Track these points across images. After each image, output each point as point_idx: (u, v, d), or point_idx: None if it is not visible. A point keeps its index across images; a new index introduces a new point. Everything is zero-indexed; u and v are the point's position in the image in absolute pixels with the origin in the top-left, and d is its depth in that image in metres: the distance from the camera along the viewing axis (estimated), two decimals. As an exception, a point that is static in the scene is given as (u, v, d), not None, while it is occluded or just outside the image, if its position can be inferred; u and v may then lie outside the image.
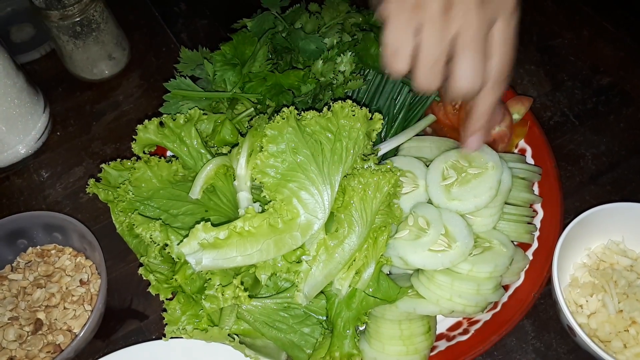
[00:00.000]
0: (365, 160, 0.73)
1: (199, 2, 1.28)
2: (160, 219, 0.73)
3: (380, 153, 0.84)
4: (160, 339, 0.85)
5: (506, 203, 0.82)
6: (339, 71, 0.91)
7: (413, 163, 0.83)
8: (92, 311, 0.82)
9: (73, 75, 1.14)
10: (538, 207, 0.88)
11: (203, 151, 0.78)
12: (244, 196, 0.73)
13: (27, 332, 0.84)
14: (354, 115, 0.71)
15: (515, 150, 0.94)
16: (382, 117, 0.74)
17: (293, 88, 0.88)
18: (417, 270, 0.78)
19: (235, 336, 0.71)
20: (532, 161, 0.92)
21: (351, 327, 0.72)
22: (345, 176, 0.71)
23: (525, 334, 0.85)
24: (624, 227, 0.85)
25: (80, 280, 0.89)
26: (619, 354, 0.78)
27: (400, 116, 0.93)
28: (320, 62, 0.90)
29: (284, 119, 0.70)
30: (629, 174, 0.99)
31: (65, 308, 0.86)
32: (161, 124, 0.79)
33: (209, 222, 0.66)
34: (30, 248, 0.92)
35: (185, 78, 0.89)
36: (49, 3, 1.03)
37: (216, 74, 0.90)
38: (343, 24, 0.95)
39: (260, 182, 0.69)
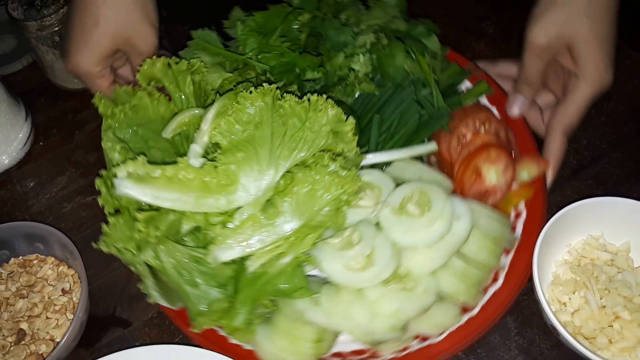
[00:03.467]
0: (333, 160, 0.73)
1: (180, 9, 1.29)
2: (128, 145, 0.77)
3: (368, 162, 0.83)
4: (144, 345, 0.85)
5: (464, 258, 0.78)
6: (352, 69, 0.91)
7: (386, 182, 0.81)
8: (72, 320, 0.82)
9: (55, 85, 1.14)
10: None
11: (192, 100, 0.82)
12: (194, 148, 0.74)
13: (10, 342, 0.84)
14: (319, 111, 0.72)
15: (513, 212, 0.87)
16: (353, 122, 0.74)
17: (304, 71, 0.90)
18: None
19: (148, 265, 0.74)
20: (520, 227, 0.85)
21: (248, 304, 0.73)
22: (303, 166, 0.72)
23: (508, 330, 0.85)
24: (603, 222, 0.84)
25: (63, 290, 0.89)
26: (604, 350, 0.78)
27: (401, 132, 0.89)
28: (342, 55, 0.90)
29: (262, 92, 0.72)
30: (610, 167, 0.99)
31: (47, 317, 0.86)
32: (169, 64, 0.82)
33: (146, 159, 0.69)
34: (12, 259, 0.92)
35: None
36: (28, 14, 1.03)
37: (240, 37, 0.93)
38: (384, 27, 0.94)
39: (215, 142, 0.72)
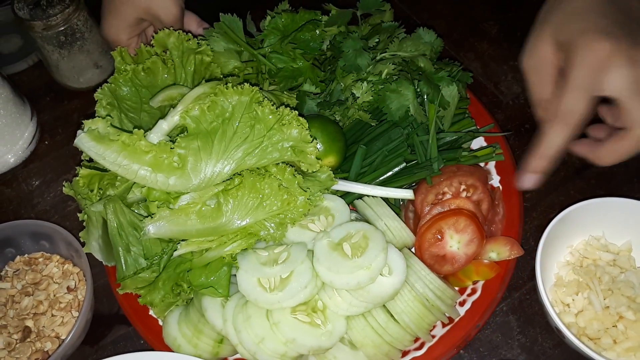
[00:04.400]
0: (293, 176, 0.75)
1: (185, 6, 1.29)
2: (118, 103, 0.82)
3: (340, 188, 0.84)
4: (148, 344, 0.86)
5: (388, 315, 0.77)
6: (352, 94, 0.90)
7: (343, 213, 0.81)
8: (77, 317, 0.82)
9: (60, 84, 1.15)
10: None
11: (189, 79, 0.85)
12: (160, 124, 0.77)
13: (16, 339, 0.85)
14: (284, 125, 0.74)
15: (470, 285, 0.84)
16: (315, 145, 0.77)
17: (304, 82, 0.92)
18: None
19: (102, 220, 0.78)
20: (469, 305, 0.82)
21: (168, 284, 0.77)
22: (258, 174, 0.74)
23: (510, 329, 0.86)
24: (604, 222, 0.85)
25: (68, 288, 0.89)
26: (609, 350, 0.78)
27: (382, 170, 0.88)
28: (351, 78, 0.90)
29: (240, 91, 0.73)
30: (614, 166, 0.97)
31: (53, 315, 0.87)
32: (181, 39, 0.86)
33: (109, 122, 0.75)
34: (18, 257, 0.93)
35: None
36: (34, 14, 1.04)
37: (264, 31, 0.95)
38: (408, 61, 0.92)
39: (182, 125, 0.74)
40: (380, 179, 0.88)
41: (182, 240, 0.76)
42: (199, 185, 0.73)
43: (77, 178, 0.78)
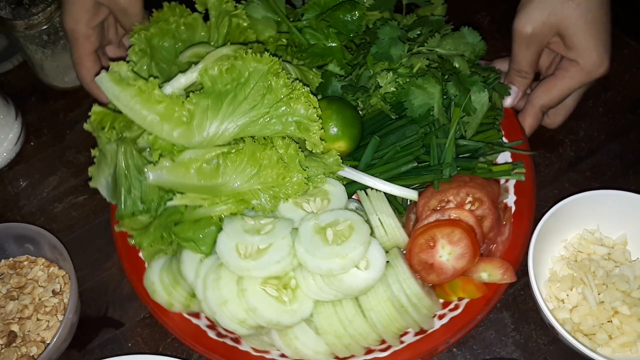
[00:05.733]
0: (296, 154, 0.76)
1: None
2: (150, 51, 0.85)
3: (346, 174, 0.83)
4: (136, 347, 0.85)
5: (359, 309, 0.76)
6: (377, 82, 0.88)
7: (340, 199, 0.81)
8: (62, 321, 0.81)
9: (45, 84, 1.13)
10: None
11: (220, 39, 0.88)
12: (179, 78, 0.78)
13: (1, 344, 0.83)
14: (291, 99, 0.75)
15: (455, 301, 0.81)
16: (320, 126, 0.76)
17: (330, 62, 0.92)
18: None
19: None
20: (446, 320, 0.80)
21: (159, 231, 0.79)
22: (261, 144, 0.76)
23: (504, 326, 0.84)
24: (598, 215, 0.83)
25: (53, 291, 0.88)
26: (604, 346, 0.76)
27: (391, 165, 0.85)
28: (379, 66, 0.88)
29: (259, 59, 0.74)
30: (608, 159, 0.97)
31: (38, 319, 0.86)
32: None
33: (132, 67, 0.79)
34: (2, 260, 0.91)
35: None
36: (16, 13, 1.02)
37: (306, 5, 0.95)
38: (445, 59, 0.89)
39: (200, 82, 0.76)
40: (388, 174, 0.85)
41: (179, 192, 0.77)
42: (200, 142, 0.74)
43: (91, 114, 0.80)
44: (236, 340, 0.81)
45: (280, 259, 0.75)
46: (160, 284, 0.81)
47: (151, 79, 0.75)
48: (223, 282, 0.75)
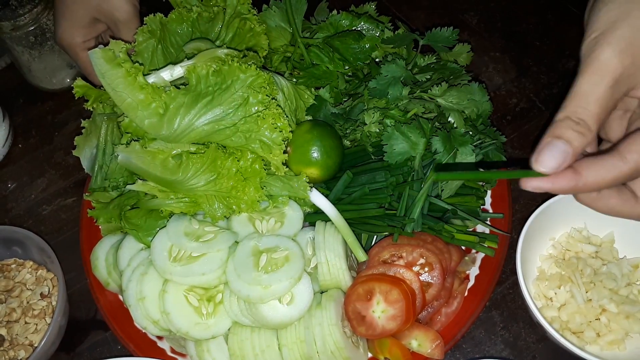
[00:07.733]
0: (259, 171, 0.76)
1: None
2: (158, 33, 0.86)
3: (311, 198, 0.80)
4: (126, 349, 0.84)
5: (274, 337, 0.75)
6: (364, 118, 0.86)
7: (295, 224, 0.80)
8: (50, 324, 0.80)
9: (33, 86, 1.13)
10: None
11: (227, 39, 0.88)
12: (167, 69, 0.80)
13: (-11, 348, 0.83)
14: (259, 117, 0.75)
15: (382, 359, 0.77)
16: (283, 152, 0.75)
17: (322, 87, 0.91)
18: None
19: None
20: None
21: (117, 210, 0.82)
22: (228, 152, 0.76)
23: (493, 325, 0.84)
24: (586, 214, 0.82)
25: (41, 294, 0.87)
26: (592, 344, 0.77)
27: (355, 204, 0.83)
28: (373, 102, 0.86)
29: (246, 70, 0.74)
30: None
31: (26, 323, 0.85)
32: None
33: (126, 48, 0.78)
34: (-11, 263, 0.91)
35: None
36: (3, 14, 1.01)
37: (322, 23, 0.95)
38: (443, 111, 0.84)
39: (186, 77, 0.76)
40: (355, 213, 0.82)
41: (141, 179, 0.79)
42: (167, 136, 0.75)
43: (74, 86, 0.83)
44: (158, 336, 0.82)
45: (206, 272, 0.75)
46: (104, 261, 0.83)
47: (136, 64, 0.76)
48: (148, 279, 0.76)
